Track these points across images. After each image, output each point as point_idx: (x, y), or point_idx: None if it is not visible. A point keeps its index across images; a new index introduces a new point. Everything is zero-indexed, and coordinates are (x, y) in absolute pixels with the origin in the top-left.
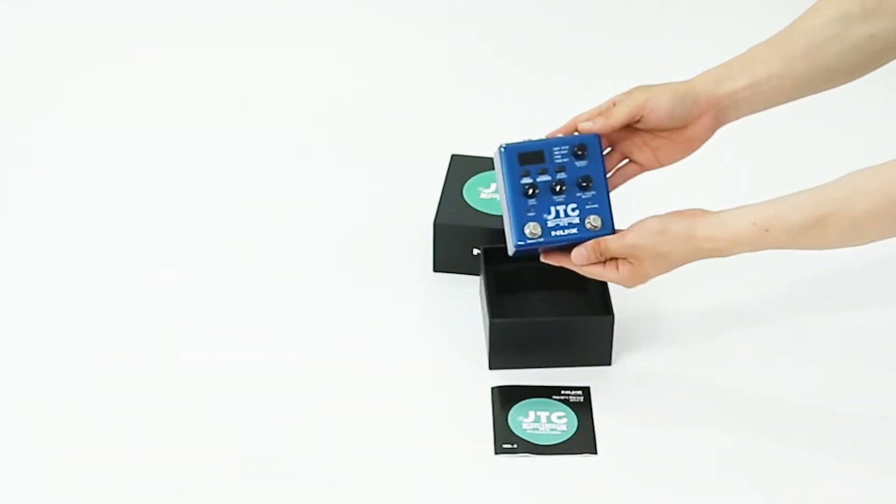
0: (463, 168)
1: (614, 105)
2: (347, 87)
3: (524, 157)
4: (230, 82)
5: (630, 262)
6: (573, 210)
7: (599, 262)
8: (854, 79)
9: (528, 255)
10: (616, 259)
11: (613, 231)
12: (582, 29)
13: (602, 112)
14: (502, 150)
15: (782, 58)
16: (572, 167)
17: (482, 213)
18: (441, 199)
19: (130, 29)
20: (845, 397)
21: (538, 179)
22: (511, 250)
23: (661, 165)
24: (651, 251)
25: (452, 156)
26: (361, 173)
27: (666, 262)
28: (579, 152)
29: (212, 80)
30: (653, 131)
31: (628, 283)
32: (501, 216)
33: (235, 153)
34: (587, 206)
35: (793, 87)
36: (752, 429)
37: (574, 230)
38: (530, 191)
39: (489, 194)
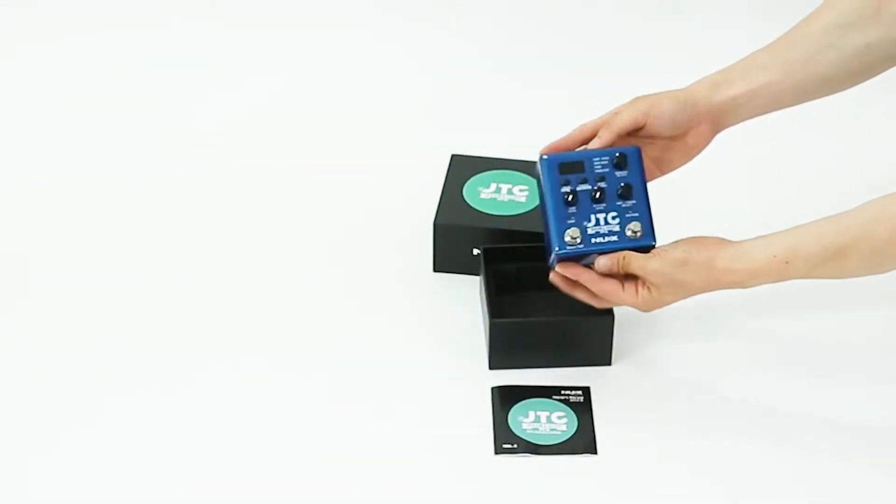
0: (463, 168)
1: (617, 115)
2: (347, 87)
3: (565, 166)
4: (230, 81)
5: (648, 288)
6: (613, 218)
7: (619, 281)
8: (851, 86)
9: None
10: (636, 282)
11: (654, 240)
12: (583, 30)
13: (605, 122)
14: (543, 160)
15: (780, 64)
16: (612, 177)
17: (482, 213)
18: (441, 199)
19: (131, 27)
20: (846, 399)
21: (578, 188)
22: (550, 259)
23: (661, 174)
24: (670, 279)
25: (452, 156)
26: (362, 173)
27: (684, 290)
28: (619, 163)
29: (212, 81)
30: (653, 139)
31: (644, 308)
32: (502, 216)
33: (235, 152)
34: (628, 215)
35: (790, 93)
36: (751, 429)
37: (615, 237)
38: (570, 198)
39: (489, 194)
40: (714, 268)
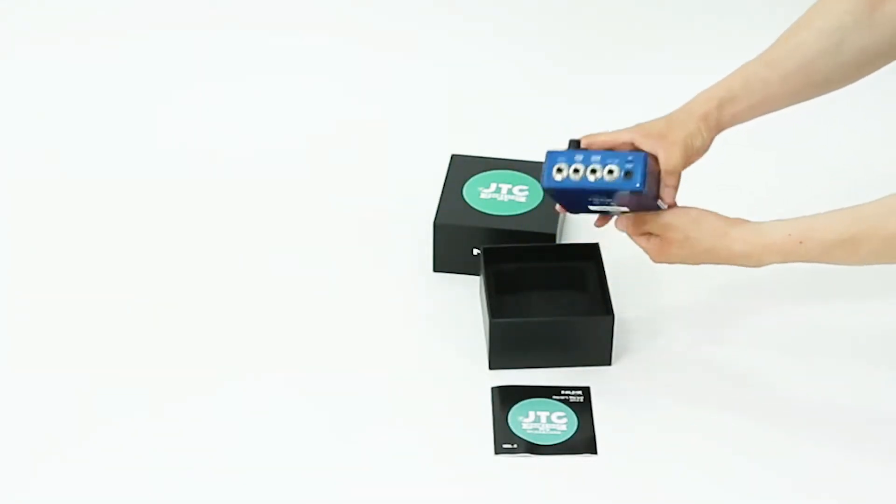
0: (463, 168)
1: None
2: (348, 87)
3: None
4: (230, 82)
5: (660, 238)
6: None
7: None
8: (845, 86)
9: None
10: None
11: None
12: (584, 30)
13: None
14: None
15: (779, 76)
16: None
17: (482, 213)
18: (441, 199)
19: (139, 32)
20: (846, 396)
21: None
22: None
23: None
24: (681, 233)
25: (452, 156)
26: (362, 173)
27: (692, 248)
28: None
29: (211, 82)
30: None
31: (654, 257)
32: (502, 216)
33: (234, 153)
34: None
35: (787, 98)
36: (751, 428)
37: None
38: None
39: (489, 194)
40: (727, 234)
